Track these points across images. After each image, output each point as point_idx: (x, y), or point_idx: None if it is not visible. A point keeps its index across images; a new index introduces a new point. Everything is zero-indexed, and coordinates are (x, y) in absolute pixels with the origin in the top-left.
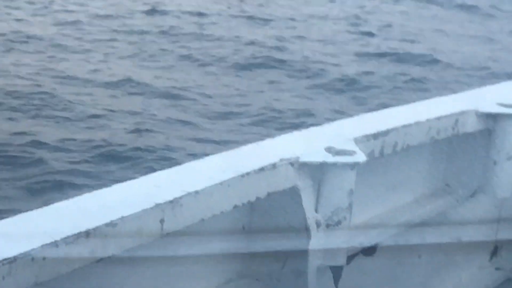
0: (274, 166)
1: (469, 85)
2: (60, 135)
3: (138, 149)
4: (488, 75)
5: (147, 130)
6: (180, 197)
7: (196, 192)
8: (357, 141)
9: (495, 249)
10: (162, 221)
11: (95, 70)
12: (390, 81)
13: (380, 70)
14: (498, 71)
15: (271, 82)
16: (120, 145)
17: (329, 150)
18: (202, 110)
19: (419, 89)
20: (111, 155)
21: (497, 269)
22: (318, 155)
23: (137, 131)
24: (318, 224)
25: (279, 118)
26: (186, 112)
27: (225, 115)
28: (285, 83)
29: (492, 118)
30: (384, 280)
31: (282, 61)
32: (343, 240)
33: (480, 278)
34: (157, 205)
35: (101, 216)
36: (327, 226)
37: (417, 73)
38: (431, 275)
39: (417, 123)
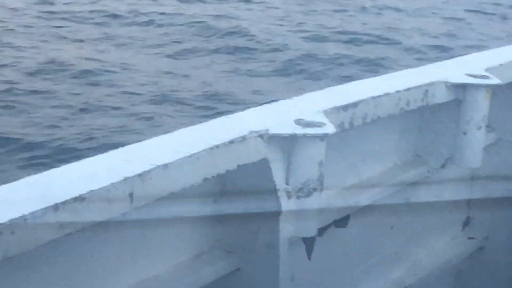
0: (243, 138)
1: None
2: None
3: (63, 138)
4: (448, 54)
5: (76, 117)
6: (149, 170)
7: (165, 165)
8: (326, 113)
9: (467, 219)
10: (131, 194)
11: (19, 57)
12: (344, 62)
13: (332, 51)
14: (458, 48)
15: (214, 63)
16: (44, 134)
17: (298, 122)
18: (136, 94)
19: (375, 70)
20: (30, 145)
21: (469, 238)
22: (287, 127)
23: (64, 118)
24: (288, 196)
25: (218, 101)
26: (118, 96)
27: (163, 99)
28: (229, 65)
29: (461, 88)
30: (356, 251)
31: (229, 43)
32: (314, 211)
33: (453, 248)
34: (126, 179)
35: (70, 190)
36: (298, 197)
37: (373, 54)
38: (404, 246)
39: (387, 95)
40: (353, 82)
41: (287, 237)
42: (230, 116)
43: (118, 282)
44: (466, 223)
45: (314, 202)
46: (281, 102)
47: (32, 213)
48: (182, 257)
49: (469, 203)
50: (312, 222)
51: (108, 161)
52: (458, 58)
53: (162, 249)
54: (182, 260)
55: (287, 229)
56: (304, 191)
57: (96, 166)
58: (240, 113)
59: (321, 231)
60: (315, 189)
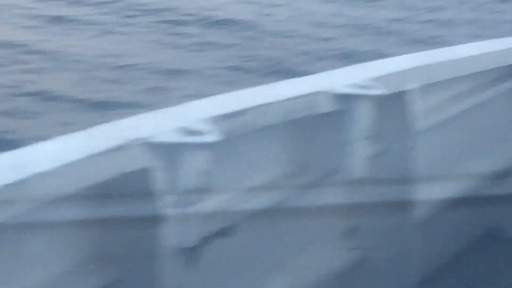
0: (125, 146)
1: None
2: None
3: None
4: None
5: None
6: (27, 178)
7: (43, 173)
8: (211, 121)
9: (351, 230)
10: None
11: None
12: None
13: None
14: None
15: None
16: None
17: (182, 130)
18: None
19: None
20: None
21: (352, 248)
22: (169, 135)
23: None
24: (171, 205)
25: None
26: None
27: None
28: None
29: (345, 98)
30: (243, 261)
31: None
32: (198, 220)
33: (336, 257)
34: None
35: None
36: (180, 208)
37: None
38: (288, 255)
39: (273, 104)
40: (239, 91)
41: (169, 248)
42: (112, 123)
43: None
44: (350, 232)
45: (197, 212)
46: (165, 109)
47: None
48: (60, 267)
49: (353, 214)
50: (194, 233)
51: None
52: (342, 69)
53: (39, 258)
54: (60, 270)
55: (169, 240)
56: (186, 202)
57: None
58: (122, 120)
59: (208, 239)
60: (198, 199)
